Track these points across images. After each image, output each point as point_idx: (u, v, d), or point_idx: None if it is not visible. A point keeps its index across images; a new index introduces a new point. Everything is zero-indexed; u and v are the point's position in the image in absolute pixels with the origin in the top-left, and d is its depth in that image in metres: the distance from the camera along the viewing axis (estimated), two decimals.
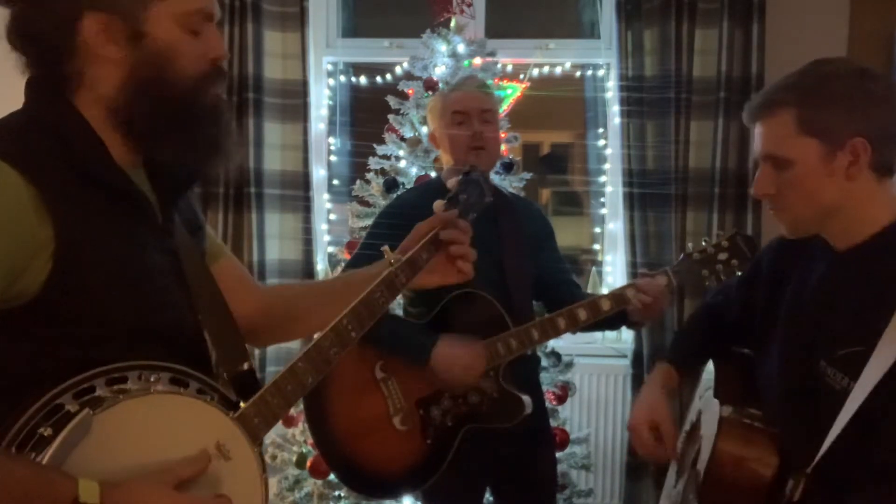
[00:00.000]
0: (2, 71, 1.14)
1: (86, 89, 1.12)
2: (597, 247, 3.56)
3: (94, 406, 1.01)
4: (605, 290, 2.82)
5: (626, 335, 3.35)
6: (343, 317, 1.28)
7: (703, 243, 2.03)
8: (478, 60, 2.90)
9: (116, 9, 1.09)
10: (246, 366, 1.23)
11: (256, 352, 3.10)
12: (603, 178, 3.42)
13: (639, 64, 3.13)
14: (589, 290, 2.99)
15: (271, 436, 2.93)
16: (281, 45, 3.21)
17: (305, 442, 2.81)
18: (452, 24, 2.93)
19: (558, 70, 3.34)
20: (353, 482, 2.20)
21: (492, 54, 2.95)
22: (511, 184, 2.86)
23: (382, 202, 2.79)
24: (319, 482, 2.75)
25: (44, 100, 1.13)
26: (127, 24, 1.10)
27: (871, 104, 1.35)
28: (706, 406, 1.65)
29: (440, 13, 2.94)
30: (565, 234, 3.48)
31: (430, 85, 2.85)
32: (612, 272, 3.41)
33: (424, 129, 2.69)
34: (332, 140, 3.44)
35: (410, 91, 2.91)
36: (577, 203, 3.93)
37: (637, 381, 3.22)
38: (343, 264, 2.61)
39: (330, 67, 3.47)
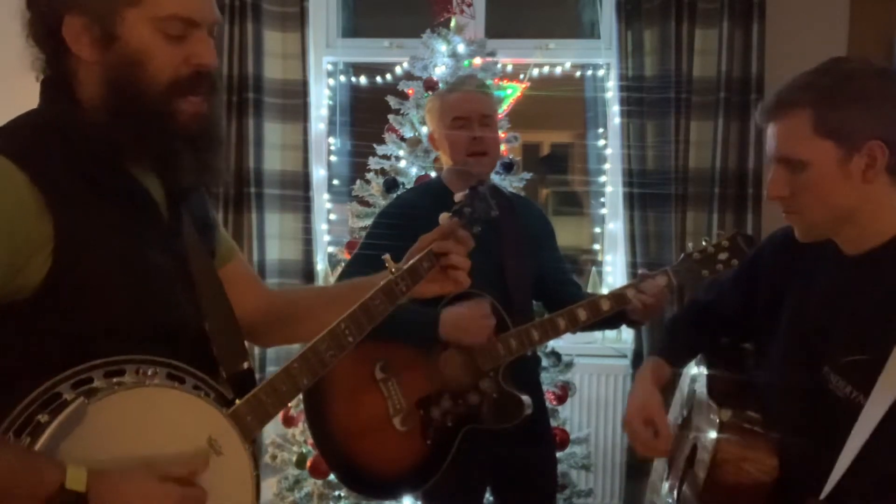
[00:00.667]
0: (3, 71, 1.15)
1: (82, 89, 1.14)
2: (597, 247, 3.56)
3: (89, 396, 1.02)
4: (605, 290, 2.82)
5: (626, 335, 3.35)
6: (341, 321, 1.29)
7: (704, 243, 2.02)
8: (478, 60, 2.90)
9: (90, 12, 1.10)
10: (245, 365, 1.24)
11: (256, 352, 3.10)
12: (603, 178, 3.42)
13: (639, 64, 3.13)
14: (589, 290, 2.99)
15: (271, 436, 2.93)
16: (281, 45, 3.21)
17: (305, 442, 2.81)
18: (452, 24, 2.93)
19: (558, 70, 3.34)
20: (353, 482, 2.20)
21: (492, 54, 2.95)
22: (511, 184, 2.86)
23: (382, 202, 2.79)
24: (319, 482, 2.75)
25: (52, 99, 1.15)
26: (101, 27, 1.10)
27: (889, 106, 1.31)
28: (699, 405, 1.64)
29: (440, 13, 2.94)
30: (565, 234, 3.48)
31: (430, 85, 2.85)
32: (612, 272, 3.40)
33: (424, 129, 2.69)
34: (332, 140, 3.44)
35: (410, 91, 2.91)
36: (577, 203, 3.92)
37: None
38: (343, 264, 2.61)
39: (330, 67, 3.47)
